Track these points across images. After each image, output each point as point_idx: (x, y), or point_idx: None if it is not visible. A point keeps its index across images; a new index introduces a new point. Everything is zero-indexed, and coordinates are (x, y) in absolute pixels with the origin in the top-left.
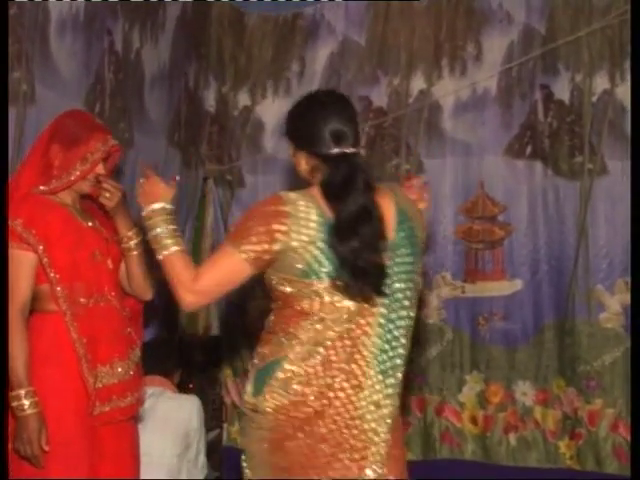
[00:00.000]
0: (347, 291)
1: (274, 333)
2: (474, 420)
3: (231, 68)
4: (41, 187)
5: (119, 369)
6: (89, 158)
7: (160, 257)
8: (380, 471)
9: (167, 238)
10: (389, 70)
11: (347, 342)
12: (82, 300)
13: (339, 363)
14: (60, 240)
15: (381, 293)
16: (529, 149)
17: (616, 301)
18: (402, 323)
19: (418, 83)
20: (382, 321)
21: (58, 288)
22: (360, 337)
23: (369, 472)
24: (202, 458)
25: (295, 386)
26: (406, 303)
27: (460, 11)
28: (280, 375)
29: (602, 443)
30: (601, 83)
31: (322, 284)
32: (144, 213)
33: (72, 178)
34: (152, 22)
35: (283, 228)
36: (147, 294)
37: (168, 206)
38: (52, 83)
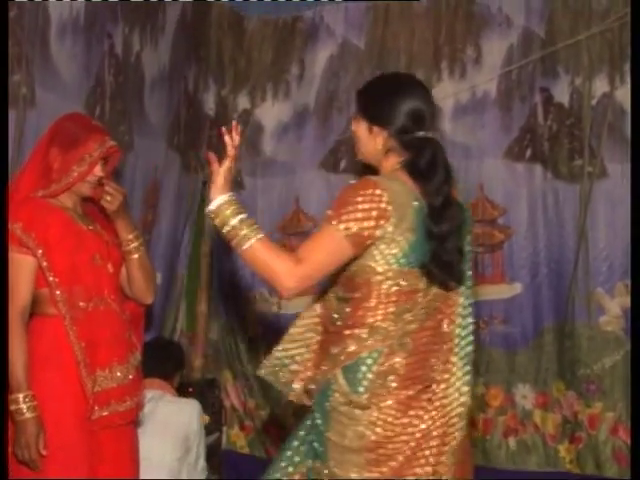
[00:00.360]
0: (434, 277)
1: (355, 327)
2: (473, 423)
3: (231, 71)
4: (41, 191)
5: (118, 373)
6: (87, 159)
7: (244, 248)
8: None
9: (245, 228)
10: None
11: (431, 331)
12: (81, 304)
13: (428, 353)
14: (60, 244)
15: (462, 279)
16: (529, 152)
17: (616, 304)
18: (471, 310)
19: None
20: (461, 309)
21: (57, 292)
22: (445, 325)
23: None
24: (202, 462)
25: (392, 379)
26: (472, 291)
27: (459, 14)
28: (371, 373)
29: (602, 447)
30: (601, 86)
31: (412, 271)
32: (209, 211)
33: (70, 180)
34: (152, 25)
35: (387, 213)
36: (148, 298)
37: (230, 197)
38: (52, 86)
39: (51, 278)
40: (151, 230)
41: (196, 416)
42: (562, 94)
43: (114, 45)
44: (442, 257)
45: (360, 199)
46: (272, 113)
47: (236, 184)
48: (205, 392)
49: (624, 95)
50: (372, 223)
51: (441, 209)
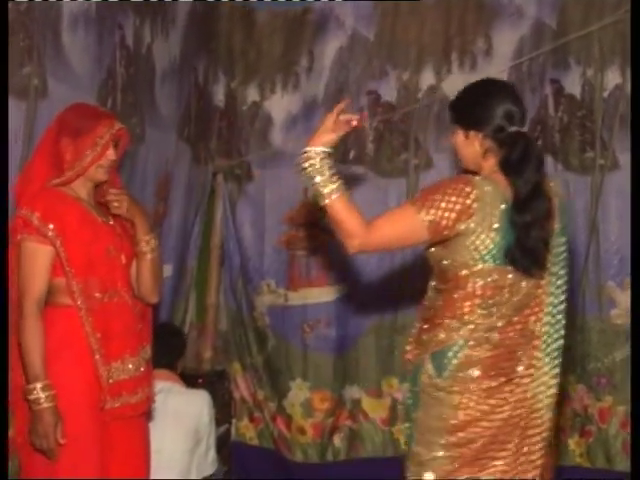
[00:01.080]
0: (517, 263)
1: (445, 317)
2: None
3: (240, 63)
4: (55, 179)
5: (130, 365)
6: (99, 143)
7: (326, 201)
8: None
9: (331, 183)
10: (398, 65)
11: (518, 327)
12: (97, 295)
13: (514, 347)
14: (76, 234)
15: (543, 269)
16: (539, 144)
17: (627, 297)
18: (562, 308)
19: (427, 78)
20: (549, 308)
21: (74, 282)
22: (531, 322)
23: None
24: (212, 453)
25: (475, 369)
26: (565, 288)
27: (470, 5)
28: (457, 360)
29: (612, 440)
30: (612, 78)
31: (499, 268)
32: (303, 154)
33: (84, 164)
34: (163, 17)
35: (471, 210)
36: (153, 298)
37: (328, 150)
38: (64, 77)
39: (68, 268)
40: (162, 222)
41: (206, 407)
42: (573, 86)
43: (125, 37)
44: (525, 244)
45: (449, 191)
46: (281, 105)
47: (245, 176)
48: (214, 384)
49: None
50: (453, 215)
51: (527, 199)
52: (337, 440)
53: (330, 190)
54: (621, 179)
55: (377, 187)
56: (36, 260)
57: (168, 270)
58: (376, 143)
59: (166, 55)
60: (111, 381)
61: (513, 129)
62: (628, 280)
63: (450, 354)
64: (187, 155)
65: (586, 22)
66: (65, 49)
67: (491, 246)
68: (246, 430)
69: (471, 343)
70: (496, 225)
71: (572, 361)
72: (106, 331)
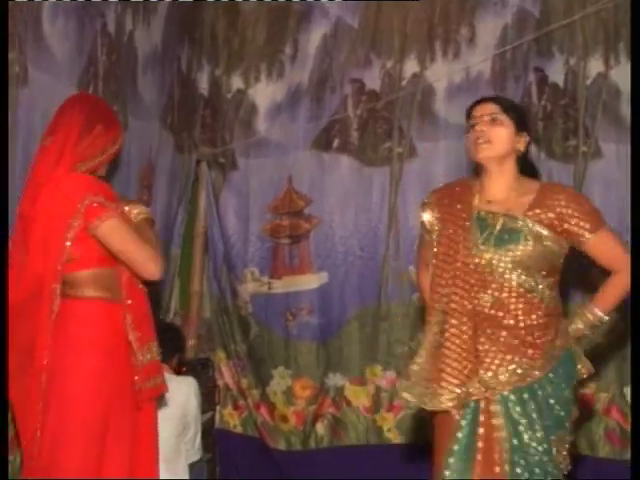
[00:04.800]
0: None
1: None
2: None
3: (224, 51)
4: (81, 165)
5: (154, 349)
6: (118, 140)
7: None
8: None
9: None
10: (382, 53)
11: None
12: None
13: None
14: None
15: None
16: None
17: None
18: None
19: (411, 66)
20: None
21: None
22: None
23: None
24: (198, 439)
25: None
26: None
27: None
28: None
29: (595, 427)
30: (595, 66)
31: None
32: None
33: (106, 157)
34: (144, 5)
35: None
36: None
37: None
38: (45, 65)
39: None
40: None
41: (193, 393)
42: (557, 74)
43: (106, 24)
44: None
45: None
46: (266, 93)
47: (229, 165)
48: (198, 371)
49: (618, 75)
50: None
51: None
52: (320, 428)
53: None
54: (604, 167)
55: (361, 175)
56: (128, 228)
57: None
58: (360, 131)
59: (148, 43)
60: (145, 362)
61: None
62: None
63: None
64: (170, 143)
65: (569, 11)
66: (46, 37)
67: None
68: (230, 418)
69: None
70: None
71: None
72: (142, 317)
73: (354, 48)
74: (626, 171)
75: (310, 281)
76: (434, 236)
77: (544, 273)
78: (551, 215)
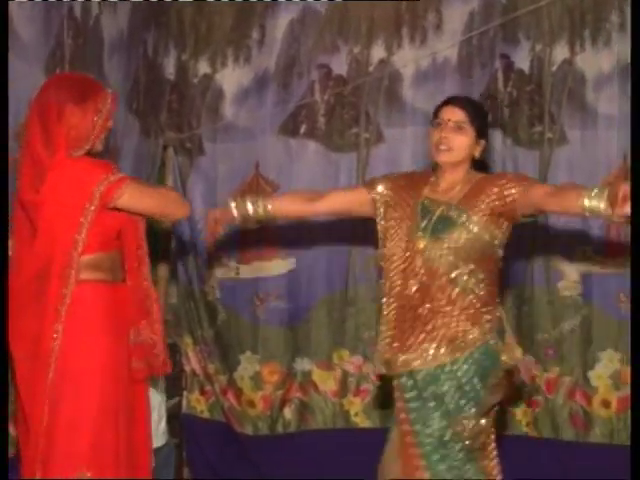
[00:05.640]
0: None
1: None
2: None
3: (191, 36)
4: (81, 150)
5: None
6: (102, 109)
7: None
8: None
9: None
10: (349, 39)
11: None
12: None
13: None
14: None
15: None
16: (489, 118)
17: (574, 269)
18: None
19: (378, 52)
20: None
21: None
22: None
23: None
24: (163, 424)
25: None
26: None
27: None
28: None
29: (559, 410)
30: (561, 53)
31: None
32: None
33: (96, 133)
34: None
35: None
36: None
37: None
38: (11, 48)
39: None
40: None
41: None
42: (523, 60)
43: (73, 8)
44: None
45: None
46: (233, 78)
47: (196, 150)
48: None
49: (584, 62)
50: None
51: None
52: (287, 412)
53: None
54: (569, 153)
55: (328, 161)
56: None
57: None
58: (327, 117)
59: (114, 27)
60: (139, 342)
61: None
62: (575, 252)
63: None
64: (136, 128)
65: None
66: (13, 20)
67: None
68: (197, 403)
69: None
70: None
71: (521, 332)
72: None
73: (321, 34)
74: (591, 157)
75: (278, 266)
76: (379, 206)
77: (472, 264)
78: (491, 198)
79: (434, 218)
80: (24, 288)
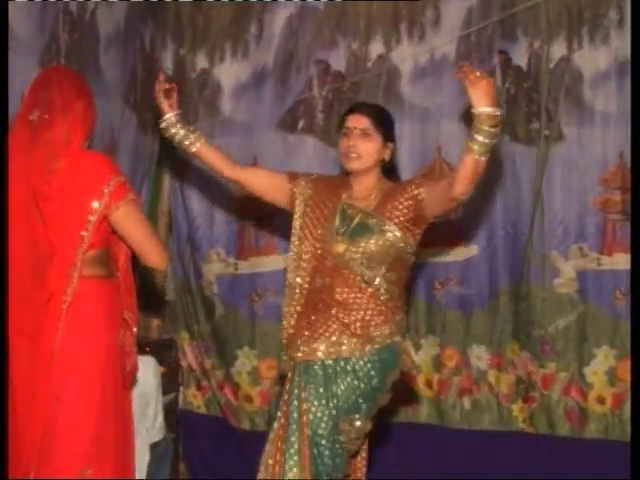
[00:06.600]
0: None
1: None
2: (429, 384)
3: (189, 30)
4: (85, 143)
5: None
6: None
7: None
8: None
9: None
10: (348, 34)
11: None
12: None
13: None
14: None
15: None
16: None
17: (570, 266)
18: None
19: (377, 47)
20: None
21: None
22: None
23: None
24: (160, 419)
25: None
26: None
27: None
28: None
29: (554, 406)
30: (558, 50)
31: None
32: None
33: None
34: None
35: None
36: None
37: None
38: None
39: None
40: None
41: (152, 373)
42: (520, 57)
43: (68, 2)
44: None
45: None
46: (231, 73)
47: None
48: (162, 352)
49: (581, 59)
50: None
51: None
52: None
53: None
54: (566, 150)
55: (326, 157)
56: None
57: None
58: (325, 113)
59: (111, 21)
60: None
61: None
62: (571, 249)
63: None
64: (133, 123)
65: None
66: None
67: None
68: (193, 398)
69: None
70: None
71: (517, 329)
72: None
73: (320, 29)
74: (587, 154)
75: (276, 262)
76: (298, 202)
77: (385, 268)
78: (404, 205)
79: (352, 225)
80: (21, 282)
